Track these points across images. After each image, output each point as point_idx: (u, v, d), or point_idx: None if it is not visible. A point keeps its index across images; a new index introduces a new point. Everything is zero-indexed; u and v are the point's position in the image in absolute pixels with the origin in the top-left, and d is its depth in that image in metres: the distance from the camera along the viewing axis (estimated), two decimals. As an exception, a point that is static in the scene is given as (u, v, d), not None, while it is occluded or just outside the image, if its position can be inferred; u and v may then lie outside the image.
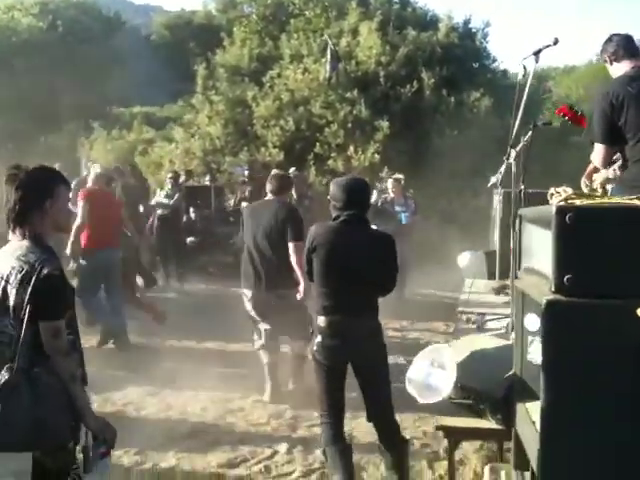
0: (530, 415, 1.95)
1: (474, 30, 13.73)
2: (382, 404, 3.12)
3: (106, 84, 18.42)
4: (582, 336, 1.72)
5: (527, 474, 2.14)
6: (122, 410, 4.35)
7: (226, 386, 4.69)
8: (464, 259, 5.07)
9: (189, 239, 8.87)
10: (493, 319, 3.71)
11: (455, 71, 12.30)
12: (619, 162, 3.31)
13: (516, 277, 2.48)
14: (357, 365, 3.12)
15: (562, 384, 1.73)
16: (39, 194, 2.15)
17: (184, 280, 8.59)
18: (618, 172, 3.33)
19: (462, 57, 12.90)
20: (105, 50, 19.48)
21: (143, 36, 24.03)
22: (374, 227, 3.65)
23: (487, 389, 2.53)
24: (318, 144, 11.22)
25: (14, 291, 2.06)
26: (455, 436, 2.79)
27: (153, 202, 9.04)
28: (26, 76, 16.37)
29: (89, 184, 5.99)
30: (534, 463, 1.84)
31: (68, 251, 5.43)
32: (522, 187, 3.21)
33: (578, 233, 1.73)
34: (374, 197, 7.79)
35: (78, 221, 5.45)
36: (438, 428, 2.81)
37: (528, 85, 3.15)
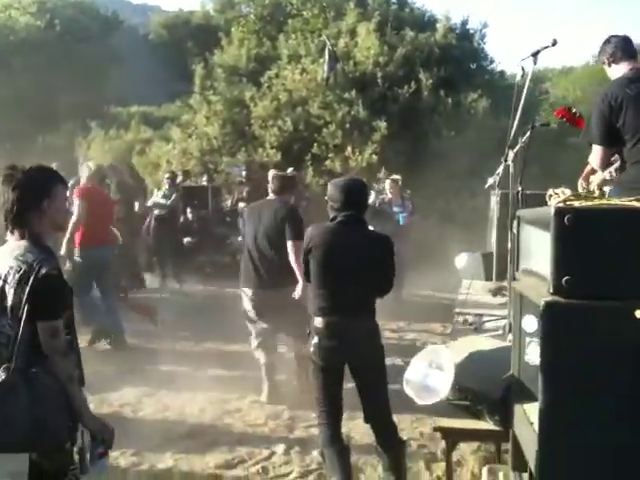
0: (528, 416, 1.95)
1: (472, 31, 13.76)
2: (379, 405, 3.12)
3: (104, 83, 18.41)
4: (581, 338, 1.72)
5: (525, 475, 2.14)
6: (119, 411, 4.34)
7: (223, 387, 4.68)
8: (461, 260, 5.07)
9: (186, 239, 8.86)
10: (490, 320, 3.71)
11: (453, 72, 12.30)
12: (616, 164, 3.32)
13: (514, 278, 2.48)
14: (354, 366, 3.11)
15: (560, 386, 1.73)
16: (36, 194, 2.14)
17: (182, 281, 8.58)
18: (615, 174, 3.34)
19: (460, 58, 12.92)
20: (103, 49, 19.45)
21: (141, 36, 24.01)
22: (371, 228, 3.65)
23: (485, 390, 2.52)
24: (316, 144, 11.22)
25: (12, 291, 2.06)
26: (453, 437, 2.78)
27: (150, 203, 9.03)
28: (23, 75, 16.34)
29: (82, 181, 5.95)
30: (532, 464, 1.84)
31: (63, 251, 5.40)
32: (520, 188, 3.21)
33: (577, 234, 1.73)
34: (372, 198, 7.79)
35: (74, 219, 5.42)
36: (436, 429, 2.80)
37: (526, 86, 3.15)
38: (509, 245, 3.15)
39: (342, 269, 3.07)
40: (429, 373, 2.68)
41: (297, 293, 4.28)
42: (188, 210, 9.28)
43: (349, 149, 10.96)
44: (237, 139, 12.08)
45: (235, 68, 13.52)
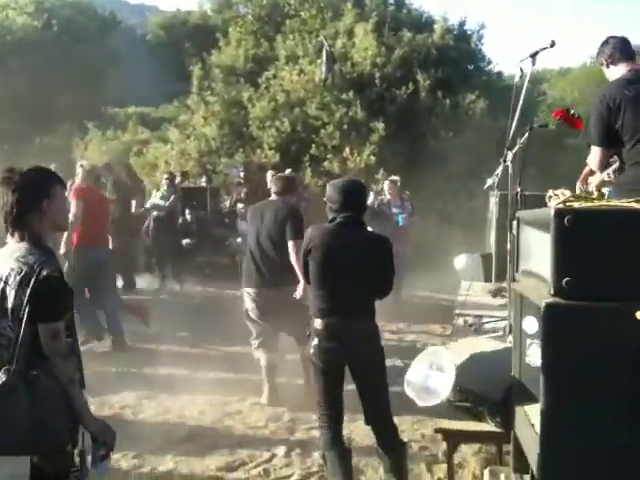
0: (529, 418, 1.95)
1: (469, 32, 13.78)
2: (380, 407, 3.12)
3: (101, 84, 18.36)
4: (581, 339, 1.72)
5: (527, 477, 2.15)
6: (119, 413, 4.33)
7: (223, 389, 4.68)
8: (460, 261, 5.07)
9: (185, 241, 8.85)
10: (490, 321, 3.71)
11: (450, 73, 12.32)
12: (615, 165, 3.33)
13: (514, 280, 2.48)
14: (354, 368, 3.11)
15: (562, 387, 1.73)
16: (36, 195, 2.14)
17: (182, 281, 8.58)
18: (612, 175, 3.35)
19: (457, 59, 12.93)
20: (100, 50, 19.39)
21: (138, 36, 23.96)
22: (370, 229, 3.66)
23: (486, 392, 2.53)
24: (314, 145, 11.22)
25: (13, 292, 2.05)
26: (454, 439, 2.79)
27: (149, 205, 9.02)
28: (21, 76, 16.28)
29: (77, 182, 5.92)
30: (534, 466, 1.84)
31: (62, 250, 5.38)
32: (519, 189, 3.21)
33: (577, 236, 1.73)
34: (371, 199, 7.79)
35: (71, 219, 5.41)
36: (437, 431, 2.80)
37: (525, 87, 3.16)
38: (508, 246, 3.15)
39: (341, 270, 3.07)
40: (430, 374, 2.68)
41: (298, 293, 4.28)
42: (187, 211, 9.27)
43: (347, 150, 10.96)
44: (235, 140, 12.08)
45: (233, 69, 13.51)
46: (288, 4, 14.48)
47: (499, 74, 14.61)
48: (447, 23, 13.27)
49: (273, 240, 4.45)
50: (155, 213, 8.78)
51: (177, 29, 22.22)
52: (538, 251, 2.01)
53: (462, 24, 13.77)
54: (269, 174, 9.11)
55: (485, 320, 3.73)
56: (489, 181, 4.04)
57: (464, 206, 10.15)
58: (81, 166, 5.94)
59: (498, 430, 2.51)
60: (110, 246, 6.26)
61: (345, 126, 11.25)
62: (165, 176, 9.41)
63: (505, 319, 3.36)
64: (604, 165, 3.24)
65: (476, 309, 4.00)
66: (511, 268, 2.90)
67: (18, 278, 2.05)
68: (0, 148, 13.85)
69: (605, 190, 3.34)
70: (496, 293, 4.32)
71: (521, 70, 3.20)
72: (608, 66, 3.25)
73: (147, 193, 10.35)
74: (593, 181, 3.41)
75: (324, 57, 11.42)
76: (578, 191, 3.36)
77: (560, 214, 1.74)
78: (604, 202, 1.96)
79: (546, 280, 1.80)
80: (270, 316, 4.47)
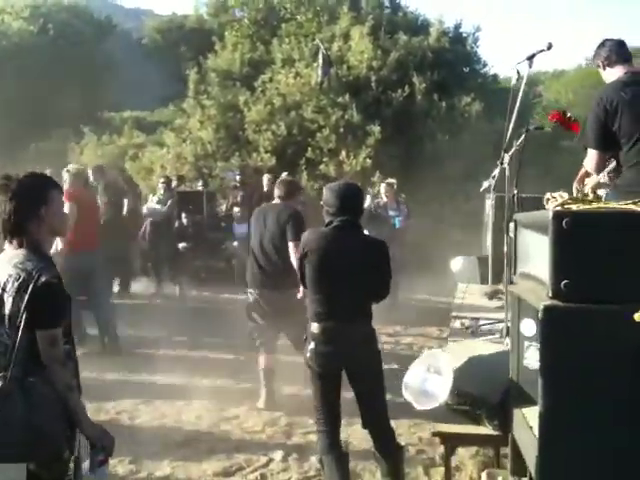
0: (527, 420, 1.95)
1: (465, 35, 13.84)
2: (377, 411, 3.11)
3: (97, 88, 18.33)
4: (579, 341, 1.72)
5: (525, 480, 2.14)
6: (116, 418, 4.31)
7: (220, 394, 4.66)
8: (457, 264, 5.08)
9: (181, 244, 8.84)
10: (487, 324, 3.71)
11: (446, 76, 12.35)
12: (610, 166, 3.33)
13: (511, 282, 2.48)
14: (351, 371, 3.10)
15: (560, 389, 1.73)
16: (33, 202, 2.13)
17: (180, 283, 8.55)
18: (607, 177, 3.35)
19: (453, 62, 12.98)
20: (96, 54, 19.38)
21: (134, 40, 23.90)
22: (367, 232, 3.65)
23: (484, 395, 2.52)
24: (310, 149, 11.22)
25: (10, 299, 2.04)
26: (451, 442, 2.77)
27: (145, 210, 8.99)
28: (16, 80, 16.25)
29: (65, 186, 5.83)
30: (532, 469, 1.84)
31: (58, 249, 5.32)
32: (515, 191, 3.21)
33: (575, 238, 1.73)
34: (367, 202, 7.79)
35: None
36: (434, 434, 2.79)
37: (522, 90, 3.16)
38: (505, 248, 3.15)
39: (338, 274, 3.06)
40: (428, 378, 2.67)
41: (300, 293, 4.29)
42: (183, 215, 9.26)
43: (343, 153, 10.97)
44: (231, 144, 12.08)
45: (229, 72, 13.51)
46: (284, 8, 14.50)
47: (495, 76, 14.67)
48: (443, 26, 13.33)
49: (275, 243, 4.47)
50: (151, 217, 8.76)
51: (173, 33, 22.18)
52: (536, 253, 2.00)
53: (458, 27, 13.84)
54: (265, 177, 9.12)
55: (482, 322, 3.73)
56: (485, 183, 4.05)
57: (460, 208, 10.16)
58: (67, 171, 5.86)
59: (496, 433, 2.50)
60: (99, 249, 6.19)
61: (341, 129, 11.27)
62: (162, 180, 9.40)
63: (502, 321, 3.36)
64: (601, 168, 3.24)
65: (473, 311, 4.00)
66: (508, 271, 2.90)
67: (16, 284, 2.04)
68: (-4, 153, 13.81)
69: (601, 192, 3.34)
70: (492, 295, 4.32)
71: (518, 72, 3.20)
72: (605, 68, 3.26)
73: (143, 197, 10.32)
74: (589, 183, 3.41)
75: (320, 60, 11.44)
76: (575, 192, 3.36)
77: (558, 216, 1.73)
78: (602, 204, 1.96)
79: (544, 282, 1.80)
80: (272, 318, 4.48)
